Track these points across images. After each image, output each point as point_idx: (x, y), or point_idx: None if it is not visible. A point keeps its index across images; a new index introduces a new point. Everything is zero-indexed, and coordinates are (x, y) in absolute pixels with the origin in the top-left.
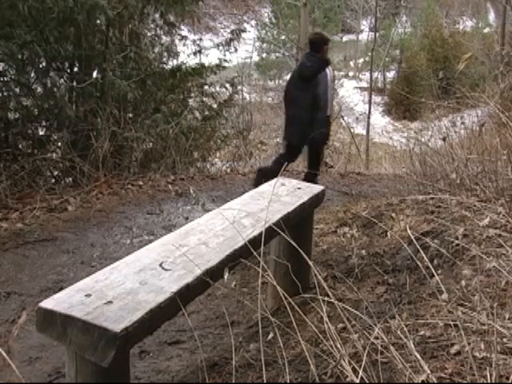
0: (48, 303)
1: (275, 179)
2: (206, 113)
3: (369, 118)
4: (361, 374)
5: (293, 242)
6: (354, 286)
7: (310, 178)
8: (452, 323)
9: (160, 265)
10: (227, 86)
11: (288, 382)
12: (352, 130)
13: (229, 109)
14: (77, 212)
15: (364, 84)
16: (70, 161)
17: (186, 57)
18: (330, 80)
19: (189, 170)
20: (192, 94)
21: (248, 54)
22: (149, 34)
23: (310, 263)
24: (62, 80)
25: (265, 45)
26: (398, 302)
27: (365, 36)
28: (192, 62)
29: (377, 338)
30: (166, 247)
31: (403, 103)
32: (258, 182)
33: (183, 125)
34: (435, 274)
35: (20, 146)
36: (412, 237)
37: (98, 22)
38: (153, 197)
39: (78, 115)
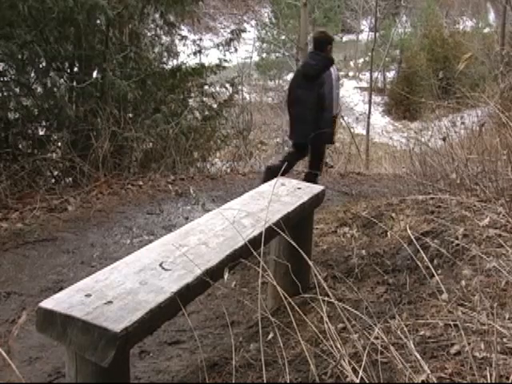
0: (48, 303)
1: (275, 179)
2: (206, 113)
3: (369, 118)
4: (361, 374)
5: (293, 242)
6: (354, 286)
7: (311, 178)
8: (452, 323)
9: (160, 265)
10: (227, 85)
11: (288, 382)
12: (352, 130)
13: (229, 109)
14: (77, 212)
15: (364, 84)
16: (70, 161)
17: (186, 57)
18: (335, 79)
19: (189, 170)
20: (192, 94)
21: (248, 54)
22: (149, 34)
23: (310, 263)
24: (62, 80)
25: (265, 45)
26: (398, 302)
27: (365, 36)
28: (192, 62)
29: (377, 338)
30: (166, 247)
31: (403, 103)
32: (266, 181)
33: (183, 125)
34: (435, 274)
35: (20, 146)
36: (412, 237)
37: (98, 22)
38: (153, 197)
39: (78, 115)
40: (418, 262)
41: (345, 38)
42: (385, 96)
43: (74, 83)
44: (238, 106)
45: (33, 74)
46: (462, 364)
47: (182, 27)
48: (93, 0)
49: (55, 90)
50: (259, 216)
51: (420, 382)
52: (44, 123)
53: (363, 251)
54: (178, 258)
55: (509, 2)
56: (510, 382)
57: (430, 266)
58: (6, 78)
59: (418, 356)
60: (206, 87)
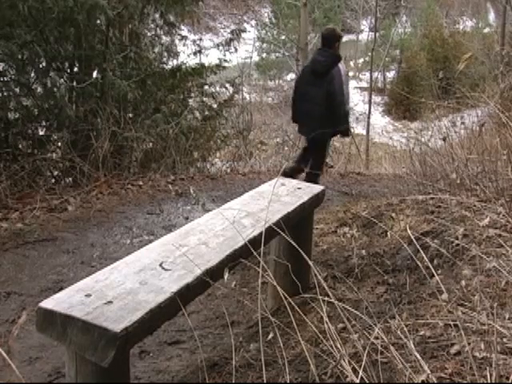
0: (48, 303)
1: (275, 179)
2: (206, 113)
3: (369, 118)
4: (361, 374)
5: (293, 242)
6: (354, 286)
7: (312, 177)
8: (452, 323)
9: (160, 265)
10: (227, 85)
11: (288, 382)
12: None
13: (229, 109)
14: (77, 212)
15: (364, 84)
16: (70, 161)
17: (186, 57)
18: (344, 75)
19: (189, 170)
20: (192, 94)
21: (248, 54)
22: (149, 34)
23: (310, 263)
24: (62, 80)
25: (265, 45)
26: (398, 302)
27: (365, 36)
28: (192, 61)
29: (377, 338)
30: (166, 247)
31: (403, 103)
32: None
33: (183, 125)
34: (435, 274)
35: (20, 146)
36: (412, 237)
37: (98, 22)
38: (153, 197)
39: (78, 115)
40: (418, 262)
41: (345, 38)
42: (385, 96)
43: (74, 83)
44: (238, 106)
45: (33, 74)
46: (462, 364)
47: (182, 27)
48: (93, 0)
49: (55, 89)
50: (259, 216)
51: (420, 382)
52: (44, 123)
53: (363, 251)
54: (178, 258)
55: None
56: (510, 382)
57: (430, 266)
58: (5, 78)
59: (418, 356)
60: (206, 87)
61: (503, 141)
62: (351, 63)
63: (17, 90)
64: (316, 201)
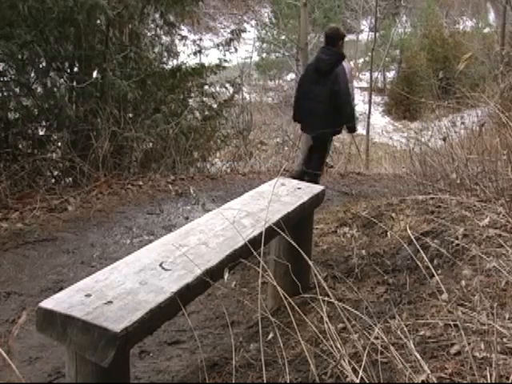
0: (48, 303)
1: (275, 179)
2: (206, 113)
3: (369, 117)
4: (361, 374)
5: (293, 242)
6: (354, 286)
7: (312, 177)
8: (452, 323)
9: (160, 265)
10: (227, 85)
11: (288, 382)
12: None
13: (229, 109)
14: (77, 212)
15: (364, 84)
16: (70, 161)
17: (186, 57)
18: (349, 73)
19: (189, 170)
20: (192, 94)
21: (248, 54)
22: (149, 34)
23: (310, 263)
24: (62, 80)
25: (265, 45)
26: (398, 302)
27: (365, 36)
28: (192, 61)
29: (377, 338)
30: (166, 247)
31: (403, 103)
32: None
33: (183, 125)
34: (435, 274)
35: (20, 146)
36: (412, 237)
37: (98, 22)
38: (153, 197)
39: (78, 115)
40: (418, 262)
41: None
42: (385, 96)
43: (74, 83)
44: (238, 106)
45: (33, 74)
46: (462, 364)
47: (182, 27)
48: (93, 0)
49: (55, 90)
50: (259, 216)
51: (420, 382)
52: (44, 123)
53: (363, 251)
54: (178, 258)
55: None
56: (510, 382)
57: (430, 266)
58: (5, 78)
59: (418, 356)
60: (206, 87)
61: (503, 141)
62: (351, 63)
63: (17, 90)
64: (316, 201)
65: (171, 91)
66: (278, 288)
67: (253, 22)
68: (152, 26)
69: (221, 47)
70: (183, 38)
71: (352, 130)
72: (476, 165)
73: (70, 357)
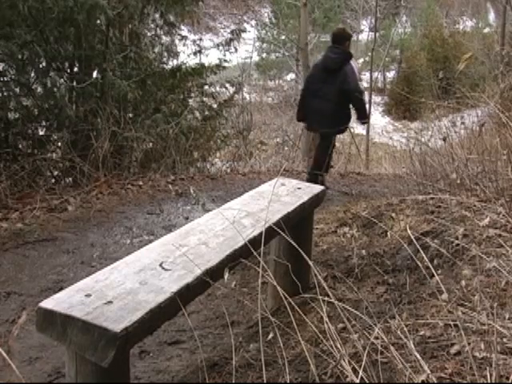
0: (48, 303)
1: (275, 179)
2: (206, 113)
3: (369, 117)
4: (361, 374)
5: (293, 242)
6: (354, 286)
7: (312, 177)
8: (452, 323)
9: (160, 265)
10: (227, 85)
11: (288, 382)
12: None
13: (229, 109)
14: (77, 212)
15: (364, 84)
16: (70, 161)
17: (186, 57)
18: (357, 72)
19: (189, 170)
20: (192, 94)
21: (248, 54)
22: (149, 34)
23: (310, 263)
24: (62, 80)
25: (265, 45)
26: (398, 302)
27: (365, 36)
28: (192, 61)
29: (377, 338)
30: (166, 247)
31: (403, 103)
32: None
33: (183, 125)
34: (435, 274)
35: (20, 146)
36: (412, 237)
37: (98, 22)
38: (153, 197)
39: (78, 115)
40: (418, 262)
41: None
42: (385, 96)
43: (74, 83)
44: (238, 106)
45: (33, 74)
46: (462, 364)
47: (182, 27)
48: (93, 0)
49: (55, 90)
50: (259, 216)
51: (420, 382)
52: (44, 123)
53: (363, 251)
54: (178, 258)
55: (509, 2)
56: (510, 382)
57: (430, 266)
58: (6, 78)
59: (418, 356)
60: (206, 87)
61: (503, 141)
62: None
63: (17, 90)
64: (316, 201)
65: (171, 91)
66: (278, 288)
67: (253, 22)
68: (152, 25)
69: (221, 47)
70: (183, 37)
71: (365, 122)
72: (476, 165)
73: (70, 357)
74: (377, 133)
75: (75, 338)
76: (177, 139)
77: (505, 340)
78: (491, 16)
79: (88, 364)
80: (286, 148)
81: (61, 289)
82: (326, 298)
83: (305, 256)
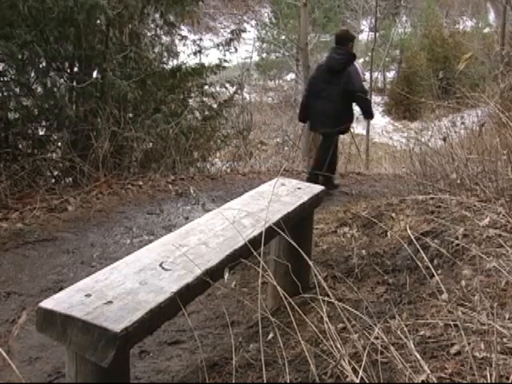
0: (48, 303)
1: (275, 179)
2: (206, 113)
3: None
4: (361, 374)
5: (293, 242)
6: (354, 286)
7: (312, 178)
8: (452, 323)
9: (160, 265)
10: (227, 85)
11: (288, 382)
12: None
13: (229, 109)
14: (77, 212)
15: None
16: (70, 161)
17: (186, 57)
18: (361, 72)
19: (189, 170)
20: (192, 94)
21: (248, 54)
22: (149, 34)
23: (310, 263)
24: (62, 80)
25: (265, 45)
26: (398, 302)
27: (365, 36)
28: (192, 61)
29: (377, 338)
30: (166, 247)
31: (403, 103)
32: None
33: (183, 125)
34: (435, 274)
35: (20, 146)
36: (412, 237)
37: (98, 22)
38: (153, 197)
39: (78, 115)
40: (418, 262)
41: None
42: (385, 96)
43: (74, 83)
44: (238, 106)
45: (33, 74)
46: (462, 364)
47: (182, 27)
48: (93, 0)
49: (55, 89)
50: (259, 216)
51: (420, 382)
52: (44, 123)
53: (363, 251)
54: (178, 258)
55: (509, 2)
56: (510, 382)
57: (430, 266)
58: (6, 78)
59: (418, 356)
60: (206, 87)
61: (503, 141)
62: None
63: (17, 90)
64: (316, 201)
65: (171, 91)
66: (278, 288)
67: (253, 22)
68: (152, 25)
69: (221, 47)
70: (183, 37)
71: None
72: (476, 165)
73: (70, 357)
74: (377, 133)
75: (75, 337)
76: (177, 139)
77: (505, 340)
78: (491, 16)
79: (88, 364)
80: (286, 148)
81: (61, 289)
82: (326, 298)
83: (305, 256)
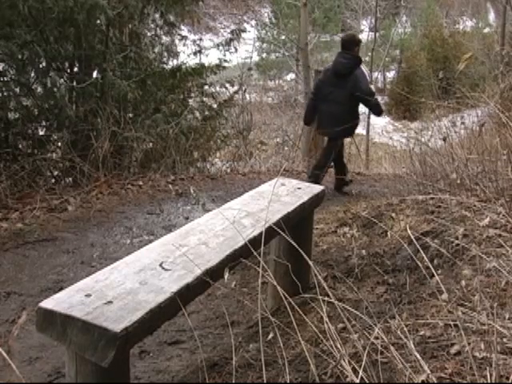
0: (48, 303)
1: (275, 179)
2: (206, 113)
3: (369, 117)
4: (361, 374)
5: (293, 242)
6: (354, 286)
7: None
8: (452, 323)
9: (160, 265)
10: (227, 85)
11: (288, 382)
12: None
13: (229, 109)
14: (77, 212)
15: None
16: (70, 161)
17: (186, 57)
18: (367, 75)
19: (189, 170)
20: (192, 94)
21: (248, 54)
22: (149, 34)
23: (310, 263)
24: (62, 80)
25: (265, 45)
26: (398, 302)
27: (365, 36)
28: (192, 61)
29: (377, 338)
30: (166, 247)
31: (403, 103)
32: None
33: (183, 125)
34: (435, 274)
35: (20, 146)
36: (412, 237)
37: (98, 22)
38: (153, 197)
39: (78, 115)
40: (418, 262)
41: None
42: (385, 96)
43: (74, 83)
44: (238, 106)
45: (33, 74)
46: (462, 364)
47: (182, 27)
48: (93, 0)
49: (55, 89)
50: (259, 216)
51: (420, 382)
52: (44, 123)
53: (363, 251)
54: (178, 258)
55: (509, 2)
56: (510, 382)
57: (430, 266)
58: (6, 78)
59: (418, 356)
60: (206, 87)
61: (503, 141)
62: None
63: (17, 90)
64: (316, 201)
65: (171, 91)
66: (278, 288)
67: (253, 22)
68: (152, 26)
69: (221, 47)
70: (183, 37)
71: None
72: (476, 165)
73: (70, 357)
74: (377, 133)
75: (75, 337)
76: (177, 139)
77: (505, 340)
78: (491, 16)
79: (88, 364)
80: (286, 148)
81: (61, 289)
82: (326, 298)
83: (305, 256)
